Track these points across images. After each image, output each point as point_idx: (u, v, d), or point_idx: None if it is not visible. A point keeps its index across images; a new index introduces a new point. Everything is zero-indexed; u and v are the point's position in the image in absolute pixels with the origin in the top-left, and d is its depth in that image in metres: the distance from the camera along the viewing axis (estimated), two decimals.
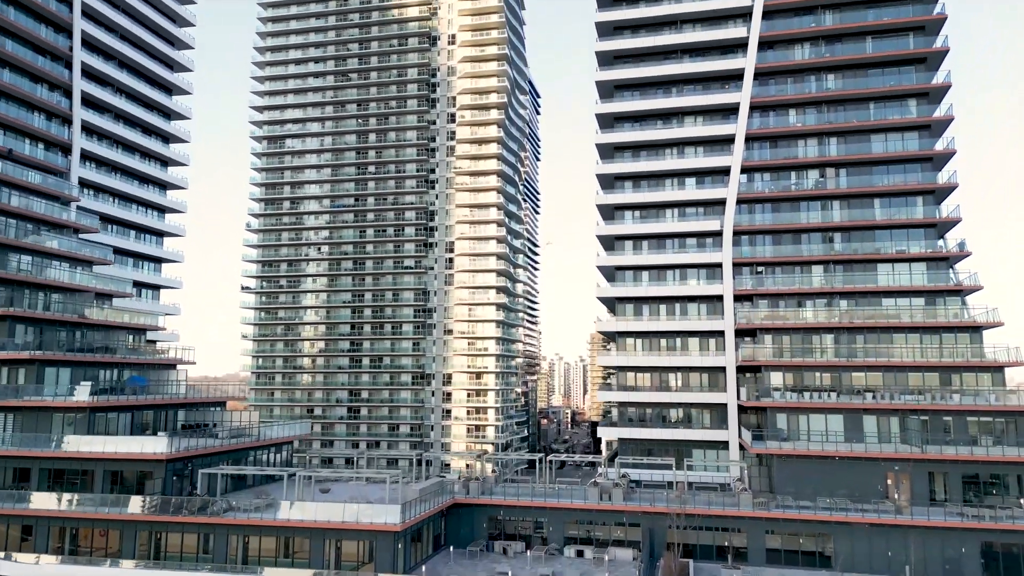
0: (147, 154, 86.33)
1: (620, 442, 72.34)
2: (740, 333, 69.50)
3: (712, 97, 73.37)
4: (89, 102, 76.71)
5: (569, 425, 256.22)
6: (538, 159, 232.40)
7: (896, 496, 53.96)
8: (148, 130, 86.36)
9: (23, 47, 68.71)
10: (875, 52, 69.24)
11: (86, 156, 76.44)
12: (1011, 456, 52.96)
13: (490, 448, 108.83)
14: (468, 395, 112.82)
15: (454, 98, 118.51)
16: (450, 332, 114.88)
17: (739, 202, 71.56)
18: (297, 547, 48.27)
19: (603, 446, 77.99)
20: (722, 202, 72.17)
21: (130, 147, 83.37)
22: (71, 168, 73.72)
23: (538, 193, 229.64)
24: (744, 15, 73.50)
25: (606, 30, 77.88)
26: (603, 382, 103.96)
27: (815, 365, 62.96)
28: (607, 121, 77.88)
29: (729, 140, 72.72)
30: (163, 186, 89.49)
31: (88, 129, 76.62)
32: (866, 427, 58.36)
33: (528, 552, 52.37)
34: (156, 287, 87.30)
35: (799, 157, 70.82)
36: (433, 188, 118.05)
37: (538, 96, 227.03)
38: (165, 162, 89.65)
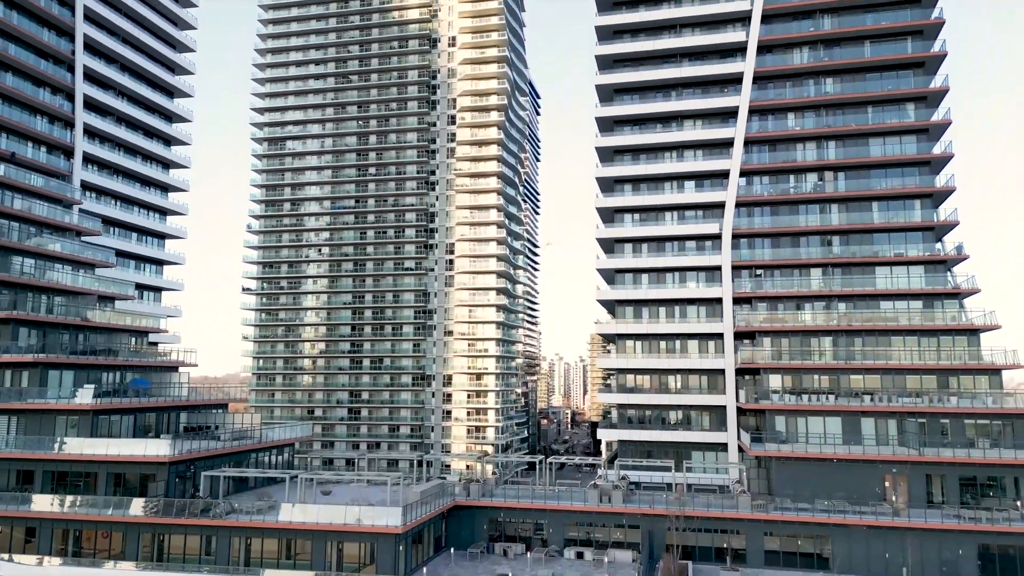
0: (149, 156, 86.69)
1: (620, 444, 72.71)
2: (739, 336, 69.87)
3: (711, 101, 73.70)
4: (91, 105, 77.09)
5: (569, 425, 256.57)
6: (538, 160, 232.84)
7: (894, 498, 54.33)
8: (150, 133, 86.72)
9: (26, 51, 69.09)
10: (873, 56, 69.62)
11: (88, 159, 76.80)
12: (1008, 458, 53.35)
13: (490, 449, 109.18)
14: (468, 396, 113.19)
15: (454, 100, 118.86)
16: (450, 333, 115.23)
17: (738, 205, 71.92)
18: (299, 549, 48.64)
19: (603, 447, 78.32)
20: (721, 205, 72.53)
21: (132, 150, 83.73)
22: (73, 171, 74.09)
23: (538, 194, 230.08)
24: (743, 19, 73.85)
25: (606, 34, 78.23)
26: (603, 383, 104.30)
27: (813, 368, 63.30)
28: (607, 124, 78.23)
29: (728, 144, 73.08)
30: (164, 188, 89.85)
31: (90, 132, 76.98)
32: (864, 429, 58.76)
33: (528, 554, 52.74)
34: (157, 289, 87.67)
35: (798, 161, 71.20)
36: (433, 189, 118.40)
37: (538, 97, 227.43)
38: (166, 164, 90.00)
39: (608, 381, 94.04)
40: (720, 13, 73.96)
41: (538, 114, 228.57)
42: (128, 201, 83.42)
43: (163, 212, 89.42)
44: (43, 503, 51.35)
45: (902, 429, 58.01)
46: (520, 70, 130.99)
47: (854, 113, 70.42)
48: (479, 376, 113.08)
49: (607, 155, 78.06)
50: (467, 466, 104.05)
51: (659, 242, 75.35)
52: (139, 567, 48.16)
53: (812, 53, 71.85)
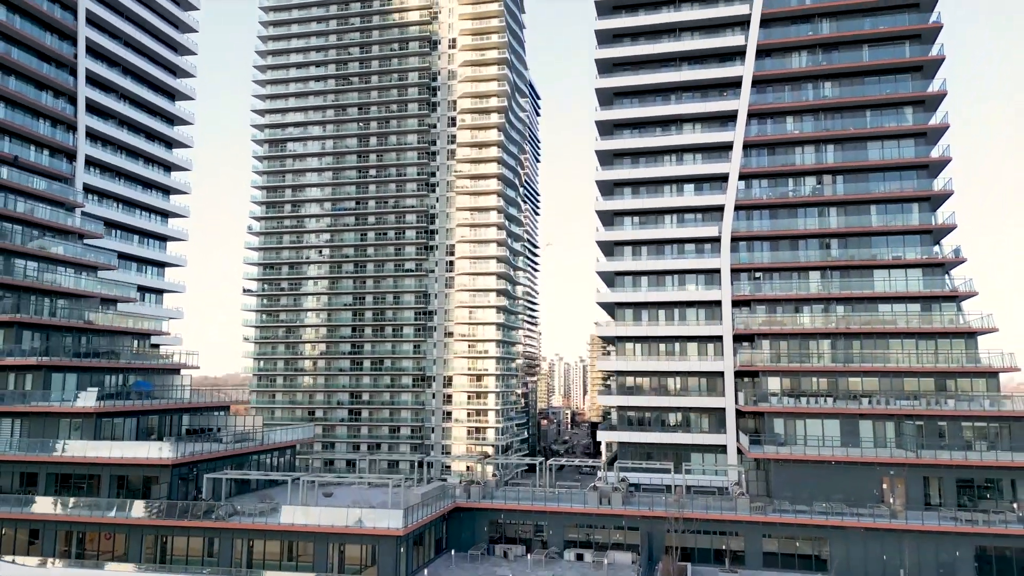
0: (150, 159, 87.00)
1: (620, 445, 73.09)
2: (738, 338, 70.24)
3: (710, 104, 74.06)
4: (93, 108, 77.43)
5: (569, 426, 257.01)
6: (538, 160, 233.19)
7: (891, 500, 54.71)
8: (151, 135, 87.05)
9: (28, 55, 69.45)
10: (871, 60, 69.98)
11: (90, 162, 77.11)
12: (1005, 461, 53.75)
13: (490, 450, 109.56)
14: (468, 397, 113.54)
15: (454, 102, 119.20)
16: (450, 334, 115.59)
17: (737, 208, 72.30)
18: (301, 551, 49.04)
19: (603, 448, 78.71)
20: (720, 208, 72.90)
21: (133, 152, 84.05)
22: (75, 174, 74.42)
23: (538, 194, 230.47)
24: (742, 23, 74.21)
25: (605, 38, 78.57)
26: (603, 385, 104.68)
27: (812, 370, 63.70)
28: (606, 128, 78.58)
29: (727, 147, 73.44)
30: (166, 191, 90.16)
31: (92, 135, 77.31)
32: (862, 432, 59.20)
33: (528, 556, 53.11)
34: (159, 291, 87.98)
35: (796, 164, 71.58)
36: (434, 191, 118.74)
37: (538, 97, 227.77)
38: (168, 167, 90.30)
39: (608, 383, 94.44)
40: (719, 17, 74.31)
41: (538, 115, 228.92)
42: (130, 204, 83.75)
43: (164, 214, 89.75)
44: (46, 505, 51.75)
45: (900, 431, 58.42)
46: (520, 71, 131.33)
47: (852, 117, 70.77)
48: (479, 377, 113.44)
49: (607, 158, 78.43)
50: (467, 467, 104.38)
51: (659, 245, 75.70)
52: (140, 569, 48.55)
53: (811, 57, 72.23)
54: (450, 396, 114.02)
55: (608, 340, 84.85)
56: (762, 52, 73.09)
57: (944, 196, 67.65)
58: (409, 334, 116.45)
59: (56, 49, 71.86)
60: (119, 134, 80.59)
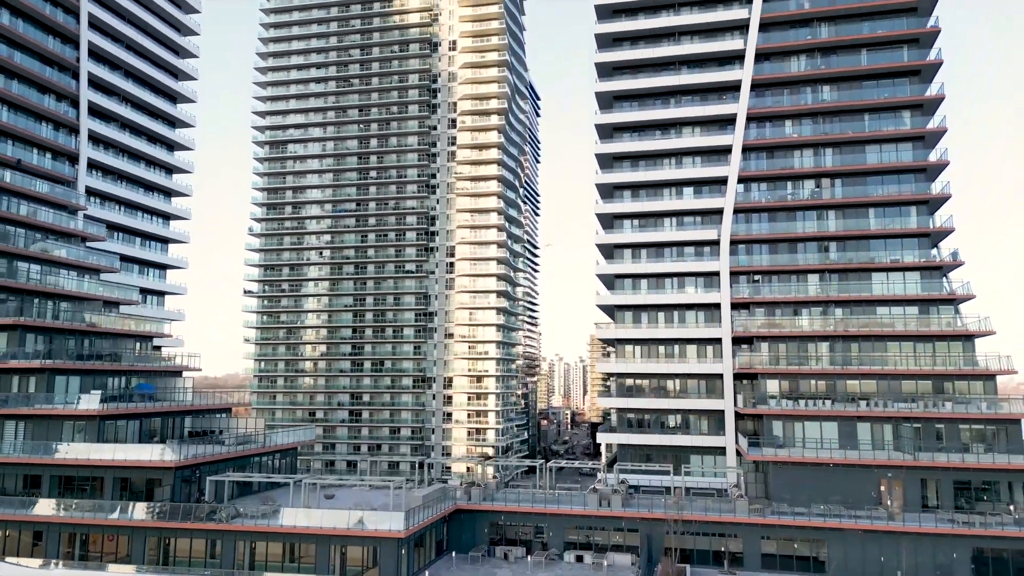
0: (152, 162, 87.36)
1: (619, 447, 73.47)
2: (737, 341, 70.63)
3: (710, 108, 74.46)
4: (96, 111, 77.80)
5: (569, 426, 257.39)
6: (538, 161, 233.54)
7: (889, 502, 55.08)
8: (153, 138, 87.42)
9: (31, 58, 69.80)
10: (870, 64, 70.33)
11: (93, 165, 77.49)
12: (1002, 463, 54.13)
13: (490, 451, 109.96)
14: (469, 398, 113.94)
15: (455, 104, 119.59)
16: (451, 336, 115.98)
17: (736, 212, 72.67)
18: (302, 552, 49.40)
19: (603, 450, 79.11)
20: (719, 211, 73.28)
21: (136, 155, 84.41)
22: (78, 177, 74.78)
23: (538, 195, 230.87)
24: (741, 28, 74.60)
25: (605, 42, 78.94)
26: (603, 386, 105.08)
27: (810, 373, 64.06)
28: (606, 131, 78.95)
29: (726, 150, 73.80)
30: (167, 193, 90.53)
31: (94, 138, 77.66)
32: (860, 434, 59.53)
33: (529, 557, 53.48)
34: (161, 293, 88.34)
35: (795, 168, 71.95)
36: (434, 193, 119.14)
37: (538, 98, 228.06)
38: (169, 169, 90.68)
39: (608, 384, 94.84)
40: (718, 21, 74.69)
41: (538, 115, 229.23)
42: (132, 206, 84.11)
43: (166, 216, 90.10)
44: (50, 507, 52.13)
45: (897, 434, 58.78)
46: (520, 73, 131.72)
47: (851, 120, 71.12)
48: (479, 378, 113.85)
49: (607, 161, 78.80)
50: (467, 468, 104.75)
51: (658, 248, 76.09)
52: (142, 570, 48.90)
53: (809, 61, 72.60)
54: (450, 397, 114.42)
55: (608, 342, 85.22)
56: (761, 56, 73.46)
57: (942, 199, 68.02)
58: (409, 335, 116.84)
59: (59, 53, 72.21)
60: (121, 137, 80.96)
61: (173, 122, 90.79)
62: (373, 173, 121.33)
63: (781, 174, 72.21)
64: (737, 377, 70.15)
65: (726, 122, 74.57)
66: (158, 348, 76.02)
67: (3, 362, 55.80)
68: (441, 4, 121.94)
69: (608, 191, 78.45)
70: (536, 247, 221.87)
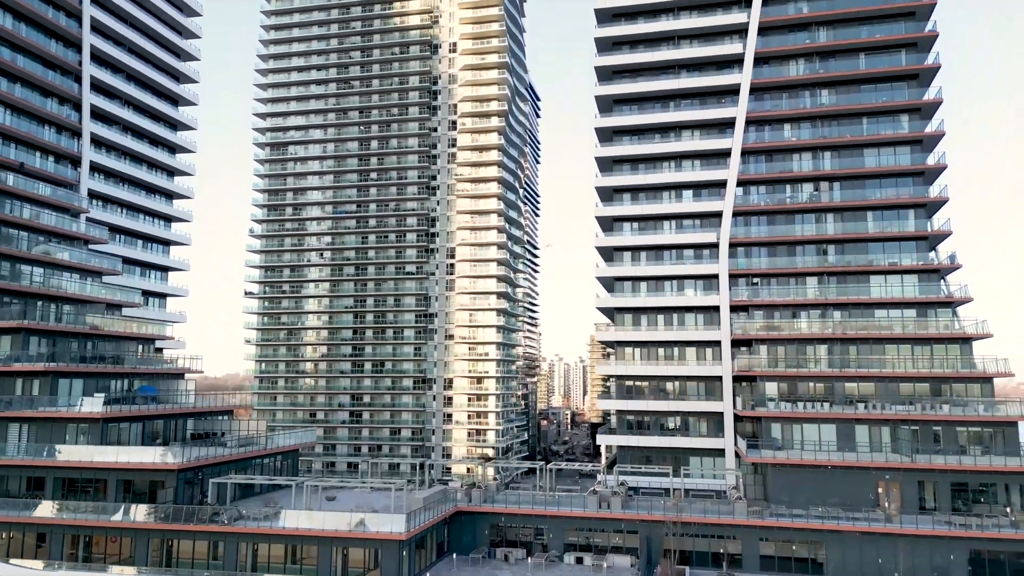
0: (154, 164, 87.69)
1: (619, 449, 73.85)
2: (736, 343, 70.99)
3: (709, 112, 74.82)
4: (98, 114, 78.11)
5: (569, 426, 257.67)
6: (538, 161, 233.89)
7: (887, 504, 55.50)
8: (155, 141, 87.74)
9: (34, 62, 70.10)
10: (868, 68, 70.71)
11: (95, 168, 77.81)
12: (998, 466, 54.58)
13: (491, 452, 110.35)
14: (469, 399, 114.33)
15: (455, 106, 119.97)
16: (451, 337, 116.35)
17: (735, 215, 73.04)
18: (304, 554, 49.82)
19: (603, 451, 79.51)
20: (719, 215, 73.64)
21: (137, 158, 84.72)
22: (80, 180, 75.09)
23: (538, 195, 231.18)
24: (740, 31, 74.95)
25: (605, 45, 79.30)
26: (603, 388, 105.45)
27: (809, 375, 64.47)
28: (606, 134, 79.33)
29: (725, 154, 74.17)
30: (169, 195, 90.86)
31: (97, 141, 77.98)
32: (858, 436, 59.92)
33: (529, 559, 53.91)
34: (162, 295, 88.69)
35: (794, 171, 72.31)
36: (434, 194, 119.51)
37: (538, 98, 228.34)
38: (171, 172, 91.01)
39: (607, 384, 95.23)
40: (717, 25, 75.04)
41: (538, 116, 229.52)
42: (134, 208, 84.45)
43: (168, 219, 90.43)
44: (53, 509, 52.52)
45: (895, 436, 59.18)
46: (520, 75, 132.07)
47: (849, 124, 71.51)
48: (480, 379, 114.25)
49: (606, 165, 79.17)
50: (468, 469, 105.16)
51: (658, 250, 76.45)
52: (143, 572, 49.31)
53: (808, 65, 72.97)
54: (451, 398, 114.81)
55: (608, 344, 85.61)
56: (760, 60, 73.81)
57: (940, 203, 68.38)
58: (410, 336, 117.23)
59: (61, 56, 72.53)
60: (123, 140, 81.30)
61: (175, 125, 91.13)
62: (373, 174, 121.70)
63: (780, 177, 72.59)
64: (736, 379, 70.53)
65: (725, 126, 74.95)
66: (160, 350, 76.37)
67: (7, 365, 56.21)
68: (441, 6, 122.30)
69: (608, 194, 78.82)
70: (536, 247, 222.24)
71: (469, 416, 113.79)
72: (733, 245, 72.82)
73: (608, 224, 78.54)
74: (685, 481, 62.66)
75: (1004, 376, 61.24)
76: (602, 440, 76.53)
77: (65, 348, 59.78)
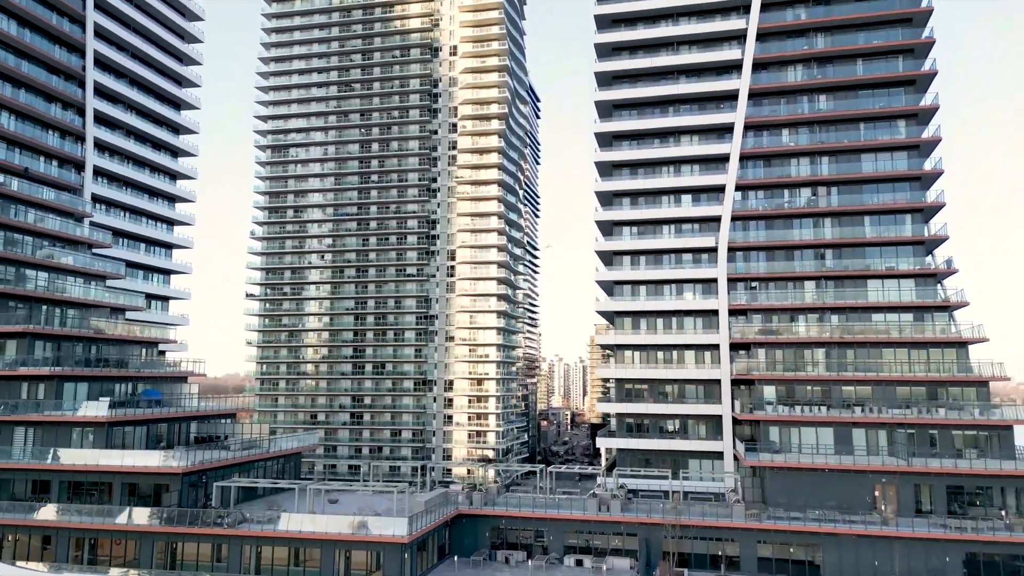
0: (157, 168, 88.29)
1: (618, 451, 74.43)
2: (734, 347, 71.57)
3: (708, 117, 75.36)
4: (101, 119, 78.67)
5: (569, 427, 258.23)
6: (538, 162, 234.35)
7: (883, 507, 56.08)
8: (157, 145, 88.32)
9: (38, 67, 70.62)
10: (865, 74, 71.30)
11: (98, 172, 78.37)
12: (994, 469, 55.11)
13: (491, 453, 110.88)
14: (469, 401, 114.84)
15: (455, 108, 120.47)
16: (452, 339, 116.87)
17: (734, 219, 73.61)
18: (307, 557, 50.39)
19: (602, 453, 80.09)
20: (717, 219, 74.23)
21: (140, 162, 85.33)
22: (84, 184, 75.63)
23: (538, 196, 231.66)
24: (739, 38, 75.51)
25: (605, 51, 79.85)
26: (602, 390, 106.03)
27: (807, 379, 65.04)
28: (606, 139, 79.88)
29: (724, 159, 74.75)
30: (171, 199, 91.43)
31: (100, 145, 78.55)
32: (855, 440, 60.47)
33: (529, 561, 54.48)
34: (165, 298, 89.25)
35: (792, 176, 72.91)
36: (435, 197, 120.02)
37: (538, 100, 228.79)
38: (173, 175, 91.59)
39: (607, 386, 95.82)
40: (716, 31, 75.60)
41: (538, 117, 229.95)
42: (137, 212, 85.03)
43: (170, 223, 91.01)
44: (58, 512, 53.04)
45: (892, 440, 59.76)
46: (520, 78, 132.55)
47: (847, 130, 72.10)
48: (480, 381, 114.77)
49: (606, 169, 79.72)
50: (468, 471, 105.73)
51: (657, 255, 77.02)
52: (147, 575, 49.81)
53: (806, 71, 73.51)
54: (451, 400, 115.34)
55: (607, 347, 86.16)
56: (758, 65, 74.38)
57: (936, 208, 68.96)
58: (410, 338, 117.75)
59: (65, 62, 73.06)
60: (126, 144, 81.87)
61: (177, 128, 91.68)
62: (374, 177, 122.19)
63: (778, 182, 73.19)
64: (735, 382, 71.09)
65: (724, 131, 75.53)
66: (163, 353, 76.93)
67: (13, 369, 56.74)
68: (442, 10, 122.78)
69: (607, 198, 79.38)
70: (536, 248, 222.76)
71: (469, 418, 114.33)
72: (732, 249, 73.39)
73: (608, 228, 79.12)
74: (684, 484, 63.28)
75: (1000, 380, 61.81)
76: (602, 443, 77.12)
77: (69, 352, 60.31)
